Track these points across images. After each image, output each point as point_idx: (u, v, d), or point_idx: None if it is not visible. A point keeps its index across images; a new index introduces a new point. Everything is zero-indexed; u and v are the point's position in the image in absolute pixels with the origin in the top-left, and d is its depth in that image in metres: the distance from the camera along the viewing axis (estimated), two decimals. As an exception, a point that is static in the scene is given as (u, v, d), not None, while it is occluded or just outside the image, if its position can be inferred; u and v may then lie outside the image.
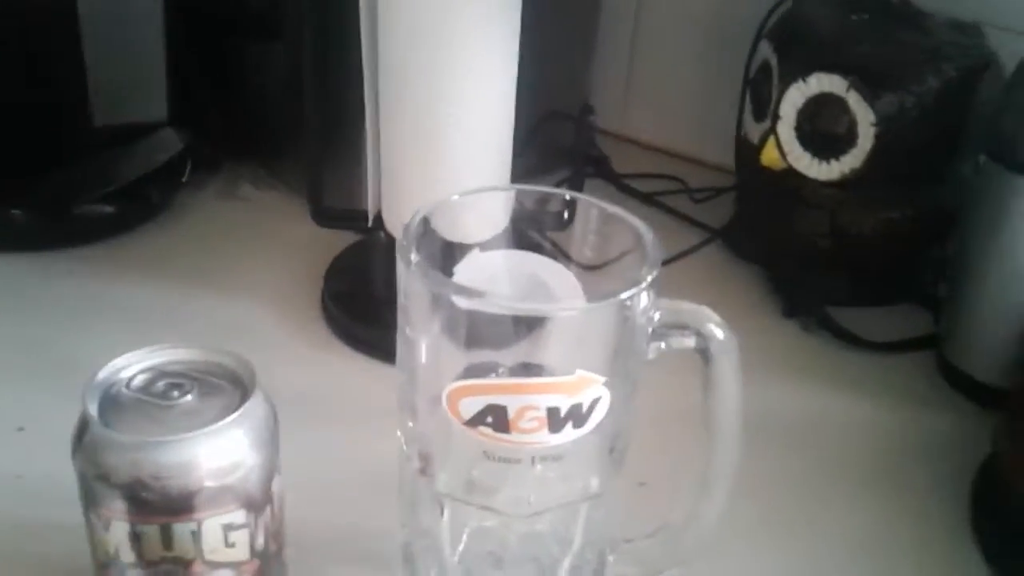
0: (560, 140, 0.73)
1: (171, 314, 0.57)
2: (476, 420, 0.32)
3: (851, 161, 0.58)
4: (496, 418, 0.32)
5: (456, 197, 0.37)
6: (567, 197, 0.38)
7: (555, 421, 0.32)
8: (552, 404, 0.32)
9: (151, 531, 0.31)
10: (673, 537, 0.37)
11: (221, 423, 0.31)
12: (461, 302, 0.31)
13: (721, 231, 0.68)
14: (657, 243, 0.34)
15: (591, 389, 0.32)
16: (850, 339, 0.59)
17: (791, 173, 0.60)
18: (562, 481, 0.35)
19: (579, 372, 0.32)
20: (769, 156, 0.61)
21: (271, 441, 0.33)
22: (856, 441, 0.52)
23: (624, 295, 0.31)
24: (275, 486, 0.34)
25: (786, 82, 0.59)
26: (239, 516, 0.32)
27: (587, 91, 0.79)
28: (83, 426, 0.31)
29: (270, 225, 0.67)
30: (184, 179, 0.69)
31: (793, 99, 0.59)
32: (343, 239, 0.63)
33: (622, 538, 0.39)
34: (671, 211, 0.71)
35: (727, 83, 0.67)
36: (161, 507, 0.31)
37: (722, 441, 0.35)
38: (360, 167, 0.57)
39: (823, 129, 0.59)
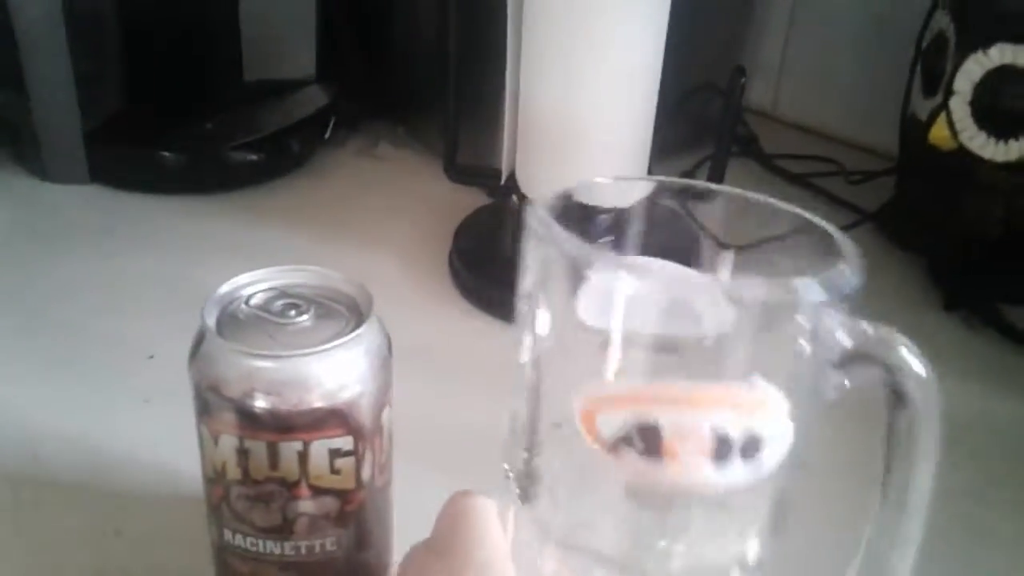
0: (709, 115, 0.70)
1: (303, 259, 0.57)
2: (619, 443, 0.25)
3: (1032, 141, 0.52)
4: (646, 441, 0.24)
5: (600, 179, 0.30)
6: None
7: (723, 450, 0.24)
8: (721, 428, 0.24)
9: (258, 448, 0.30)
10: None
11: (335, 343, 0.30)
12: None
13: (876, 214, 0.63)
14: (856, 252, 0.25)
15: (768, 408, 0.25)
16: (1019, 338, 0.53)
17: (962, 153, 0.55)
18: (715, 542, 0.27)
19: (758, 383, 0.24)
20: (938, 134, 0.56)
21: (383, 370, 0.32)
22: (1022, 445, 0.47)
23: (816, 295, 0.23)
24: (385, 418, 0.33)
25: (964, 53, 0.54)
26: (347, 442, 0.31)
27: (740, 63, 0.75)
28: (200, 337, 0.31)
29: (405, 183, 0.67)
30: (326, 135, 0.70)
31: (970, 72, 0.54)
32: (475, 201, 0.62)
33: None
34: (822, 192, 0.66)
35: (890, 59, 0.62)
36: (269, 424, 0.30)
37: (906, 510, 0.26)
38: (497, 126, 0.56)
39: (1002, 106, 0.53)
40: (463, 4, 0.55)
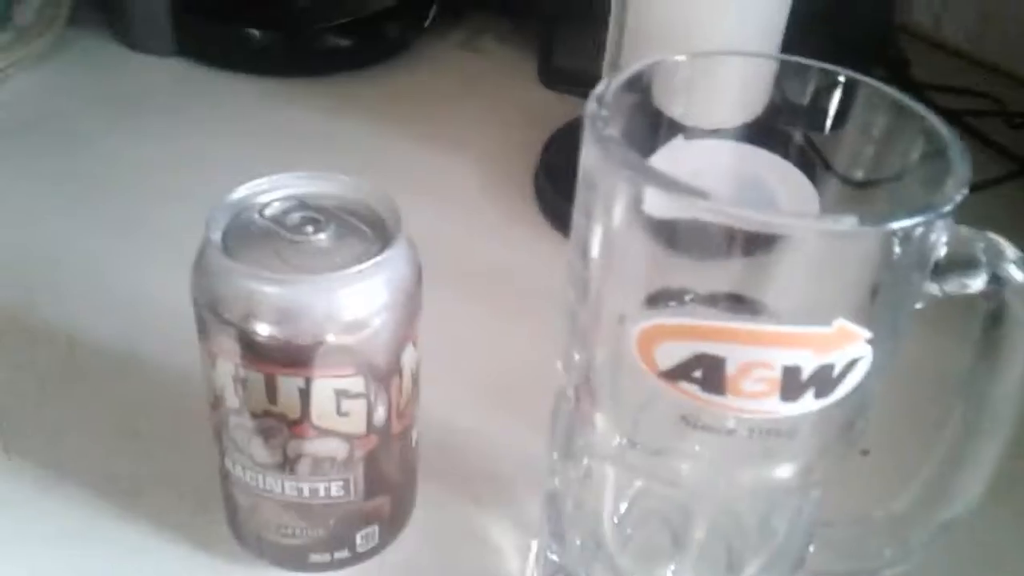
0: (853, 30, 0.61)
1: (380, 156, 0.54)
2: (678, 373, 0.23)
3: None
4: (708, 373, 0.23)
5: (684, 58, 0.27)
6: (845, 80, 0.27)
7: (792, 386, 0.23)
8: (792, 362, 0.22)
9: (255, 379, 0.27)
10: (893, 529, 0.28)
11: (350, 270, 0.26)
12: (659, 200, 0.23)
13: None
14: (966, 155, 0.23)
15: (851, 348, 0.23)
16: None
17: None
18: (783, 461, 0.26)
19: (840, 323, 0.22)
20: None
21: (407, 304, 0.28)
22: None
23: (909, 222, 0.21)
24: (406, 357, 0.29)
25: None
26: (356, 383, 0.28)
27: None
28: (203, 249, 0.28)
29: (503, 83, 0.62)
30: (426, 23, 0.65)
31: None
32: (572, 110, 0.56)
33: (822, 520, 0.30)
34: (978, 134, 0.57)
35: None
36: (269, 354, 0.27)
37: (993, 418, 0.26)
38: (601, 25, 0.50)
39: None
40: None
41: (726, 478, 0.26)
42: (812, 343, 0.22)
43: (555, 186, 0.51)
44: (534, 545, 0.34)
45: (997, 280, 0.24)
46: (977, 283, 0.24)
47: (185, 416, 0.35)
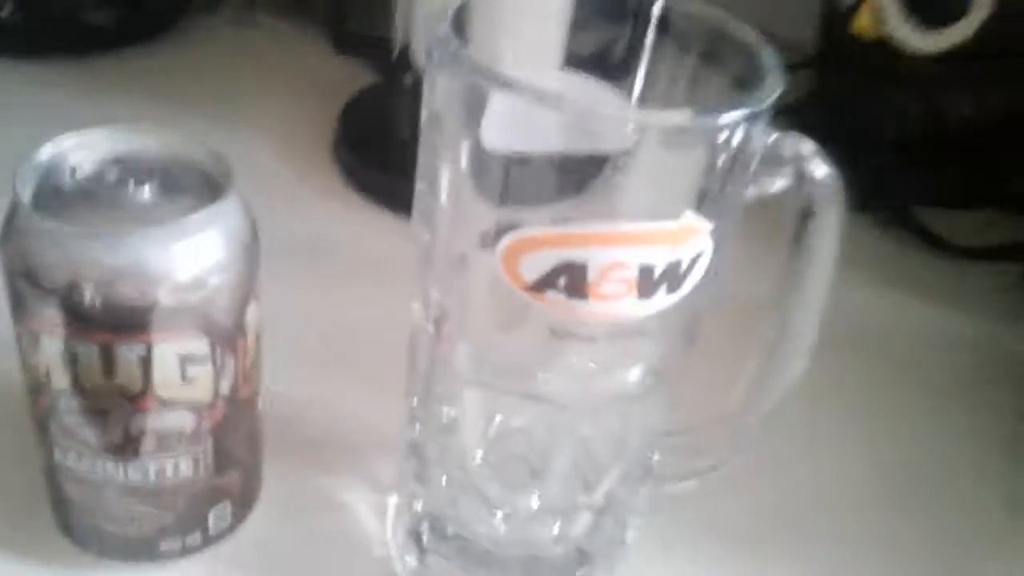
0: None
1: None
2: (543, 283, 0.24)
3: (961, 32, 0.50)
4: (572, 280, 0.24)
5: None
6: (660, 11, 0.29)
7: (647, 284, 0.24)
8: (646, 261, 0.24)
9: (89, 351, 0.25)
10: (726, 428, 0.31)
11: (183, 221, 0.25)
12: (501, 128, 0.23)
13: (792, 107, 0.59)
14: (776, 56, 0.25)
15: (695, 241, 0.24)
16: (931, 240, 0.51)
17: (886, 44, 0.52)
18: (636, 363, 0.27)
19: (686, 215, 0.24)
20: (862, 23, 0.53)
21: (246, 258, 0.27)
22: (929, 351, 0.45)
23: (737, 115, 0.23)
24: (250, 316, 0.27)
25: (894, -67, 0.50)
26: (201, 346, 0.26)
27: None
28: (11, 213, 0.25)
29: (285, 57, 0.60)
30: (191, -1, 0.62)
31: (900, -46, 0.50)
32: (363, 78, 0.56)
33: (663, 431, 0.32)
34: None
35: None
36: (102, 321, 0.24)
37: (805, 310, 0.28)
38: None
39: (932, -10, 0.50)
40: None
41: (586, 387, 0.27)
42: (664, 239, 0.24)
43: (355, 153, 0.51)
44: (392, 501, 0.34)
45: (801, 177, 0.26)
46: (783, 181, 0.26)
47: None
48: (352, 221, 0.48)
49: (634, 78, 0.29)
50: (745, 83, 0.26)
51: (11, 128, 0.50)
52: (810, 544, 0.35)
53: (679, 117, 0.23)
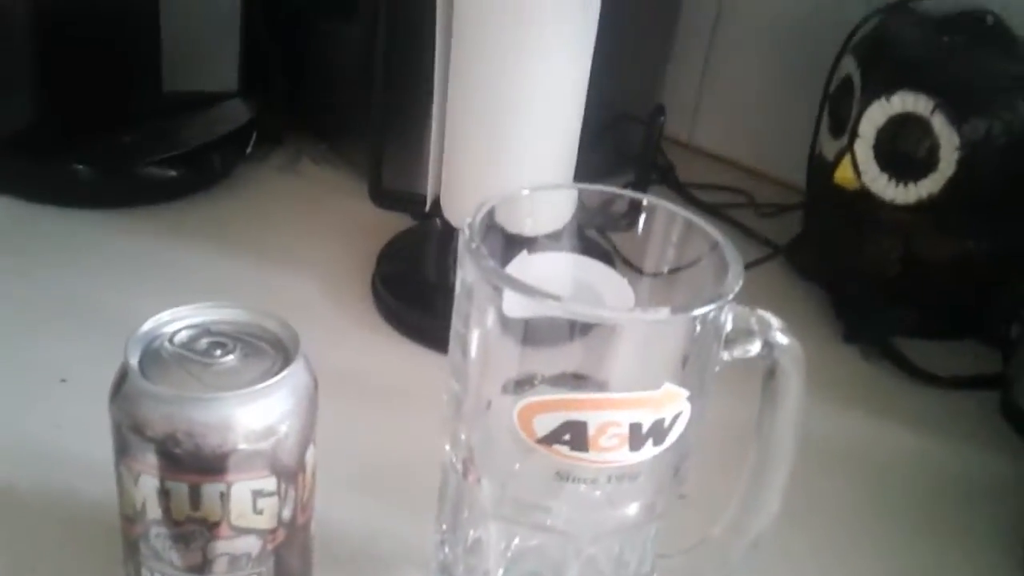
0: (628, 144, 0.72)
1: (222, 280, 0.57)
2: (552, 438, 0.30)
3: (930, 186, 0.56)
4: (574, 435, 0.30)
5: (525, 191, 0.36)
6: (635, 199, 0.36)
7: (636, 438, 0.30)
8: (635, 420, 0.30)
9: (180, 489, 0.30)
10: (714, 551, 0.36)
11: (260, 385, 0.31)
12: (518, 304, 0.29)
13: (785, 248, 0.66)
14: (738, 256, 0.32)
15: (674, 405, 0.30)
16: (912, 371, 0.56)
17: (865, 194, 0.58)
18: (631, 501, 0.33)
19: (666, 386, 0.30)
20: (843, 175, 0.59)
21: (309, 410, 0.33)
22: (910, 476, 0.50)
23: (706, 309, 0.29)
24: (308, 456, 0.33)
25: (868, 99, 0.57)
26: (270, 483, 0.31)
27: (658, 97, 0.77)
28: (122, 376, 0.31)
29: (328, 202, 0.67)
30: (248, 150, 0.70)
31: (874, 117, 0.57)
32: (399, 223, 0.62)
33: (659, 553, 0.37)
34: (735, 223, 0.69)
35: (802, 98, 0.65)
36: (192, 465, 0.30)
37: (777, 451, 0.34)
38: (423, 151, 0.57)
39: (903, 150, 0.56)
40: (391, 23, 0.55)
41: (590, 520, 0.32)
42: (649, 404, 0.30)
43: (392, 292, 0.57)
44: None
45: (768, 345, 0.32)
46: (755, 348, 0.32)
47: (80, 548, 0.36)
48: (386, 352, 0.54)
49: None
50: (715, 262, 0.32)
51: (85, 270, 0.57)
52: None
53: (659, 315, 0.29)
